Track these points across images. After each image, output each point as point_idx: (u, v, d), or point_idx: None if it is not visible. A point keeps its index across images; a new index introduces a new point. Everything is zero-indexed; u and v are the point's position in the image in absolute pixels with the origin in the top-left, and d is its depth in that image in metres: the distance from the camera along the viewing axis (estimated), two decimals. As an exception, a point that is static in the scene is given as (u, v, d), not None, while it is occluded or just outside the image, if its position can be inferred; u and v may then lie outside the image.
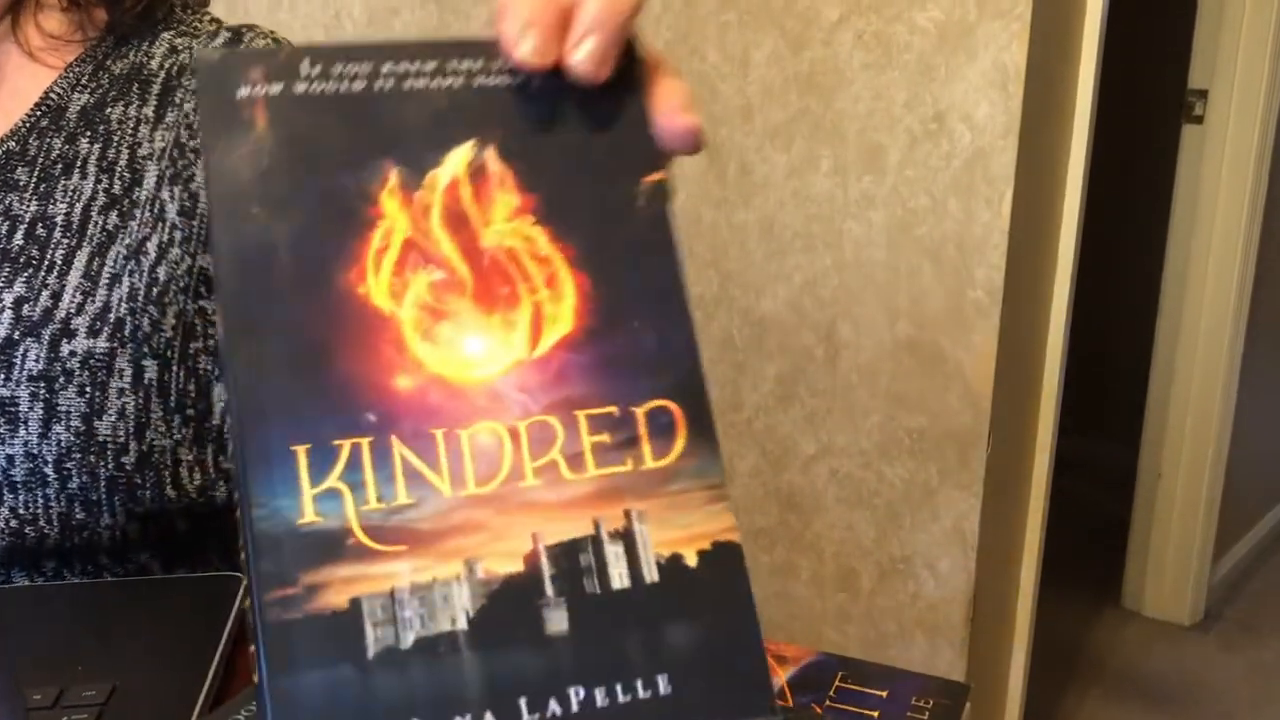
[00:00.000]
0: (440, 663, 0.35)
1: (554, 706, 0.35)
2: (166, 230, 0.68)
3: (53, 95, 0.71)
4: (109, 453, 0.65)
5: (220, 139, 0.37)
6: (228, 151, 0.37)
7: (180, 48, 0.73)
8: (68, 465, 0.65)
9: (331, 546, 0.35)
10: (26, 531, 0.66)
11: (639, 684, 0.36)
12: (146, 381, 0.66)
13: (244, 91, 0.38)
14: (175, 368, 0.68)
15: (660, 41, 1.59)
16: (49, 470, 0.65)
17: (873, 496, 1.61)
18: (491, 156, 0.39)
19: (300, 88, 0.39)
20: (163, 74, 0.72)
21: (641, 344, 0.39)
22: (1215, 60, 2.24)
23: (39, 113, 0.70)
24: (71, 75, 0.71)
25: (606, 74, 0.40)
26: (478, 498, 0.37)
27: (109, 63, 0.72)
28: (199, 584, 0.66)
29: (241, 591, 0.62)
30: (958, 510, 1.55)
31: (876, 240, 1.53)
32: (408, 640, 0.35)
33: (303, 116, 0.38)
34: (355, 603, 0.35)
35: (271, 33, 0.75)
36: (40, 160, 0.69)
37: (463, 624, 0.36)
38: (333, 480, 0.36)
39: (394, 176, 0.38)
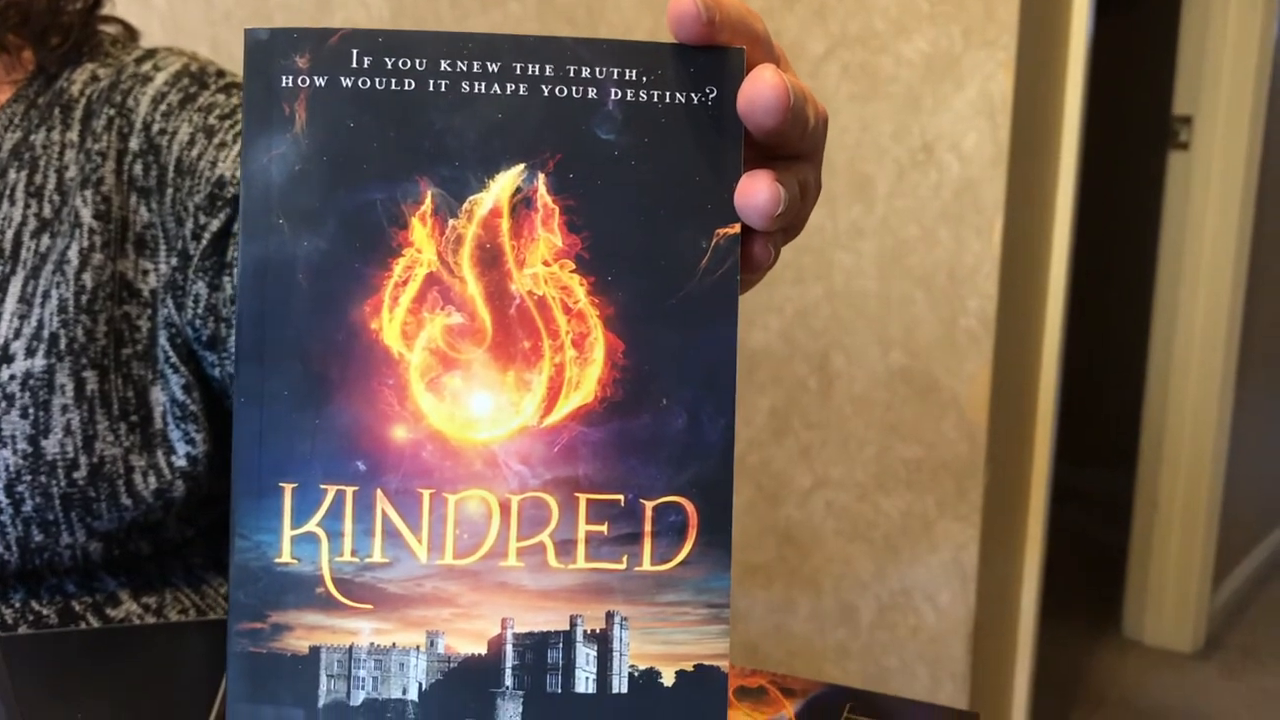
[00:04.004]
0: None
1: None
2: (85, 235, 0.67)
3: None
4: (59, 470, 0.65)
5: (259, 135, 0.36)
6: (264, 150, 0.36)
7: (101, 76, 0.73)
8: (19, 489, 0.64)
9: (302, 591, 0.35)
10: None
11: None
12: (89, 393, 0.66)
13: (287, 81, 0.35)
14: (113, 375, 0.67)
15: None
16: (0, 496, 0.64)
17: (870, 529, 1.60)
18: (541, 186, 0.36)
19: (347, 81, 0.35)
20: (84, 100, 0.72)
21: (669, 426, 0.35)
22: (1199, 86, 2.25)
23: None
24: (4, 116, 0.72)
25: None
26: (453, 569, 0.35)
27: (39, 99, 0.72)
28: (197, 629, 0.65)
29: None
30: (956, 542, 1.54)
31: (867, 270, 1.53)
32: (358, 699, 0.35)
33: (344, 117, 0.36)
34: (315, 651, 0.35)
35: (193, 54, 0.74)
36: None
37: (414, 694, 0.35)
38: (312, 525, 0.35)
39: (429, 199, 0.36)
